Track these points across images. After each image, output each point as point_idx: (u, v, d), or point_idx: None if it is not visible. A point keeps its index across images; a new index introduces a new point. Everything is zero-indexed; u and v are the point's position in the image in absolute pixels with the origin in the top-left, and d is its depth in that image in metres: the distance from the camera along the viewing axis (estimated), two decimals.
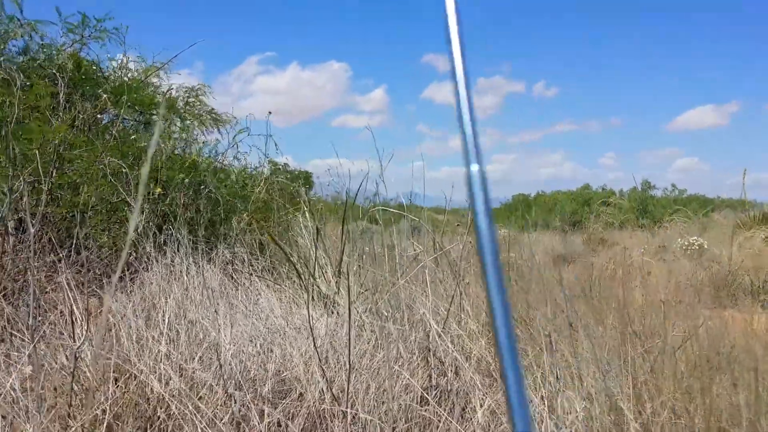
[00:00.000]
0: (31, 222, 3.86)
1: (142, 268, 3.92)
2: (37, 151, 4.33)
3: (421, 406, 2.25)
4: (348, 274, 3.46)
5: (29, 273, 3.06)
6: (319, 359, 2.23)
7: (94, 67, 6.16)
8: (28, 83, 4.91)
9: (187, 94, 6.79)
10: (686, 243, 9.67)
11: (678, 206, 15.87)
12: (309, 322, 2.31)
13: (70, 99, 5.38)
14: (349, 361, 2.03)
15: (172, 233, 4.13)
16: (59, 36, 5.94)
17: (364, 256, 4.02)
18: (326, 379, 2.20)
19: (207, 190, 5.68)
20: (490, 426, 2.12)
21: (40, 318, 2.89)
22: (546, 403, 2.09)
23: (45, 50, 5.79)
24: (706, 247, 9.45)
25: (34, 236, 3.77)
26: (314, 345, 2.22)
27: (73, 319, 2.28)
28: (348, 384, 2.07)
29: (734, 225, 12.09)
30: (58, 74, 5.26)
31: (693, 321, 3.06)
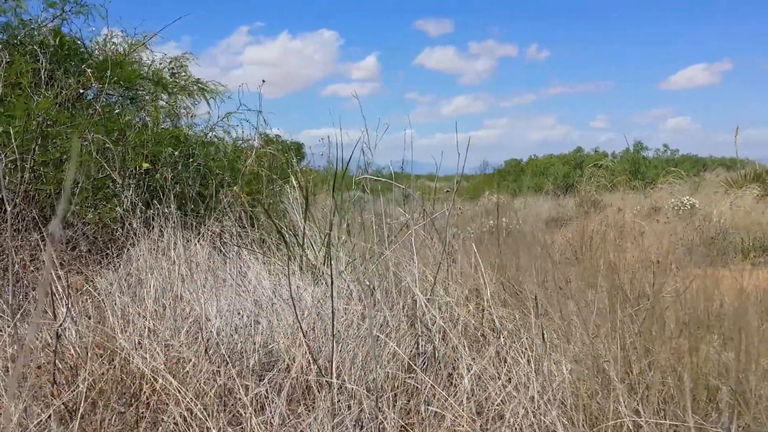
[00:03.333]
0: (13, 201, 3.82)
1: (130, 244, 3.89)
2: (20, 128, 4.28)
3: (408, 374, 2.24)
4: (336, 245, 3.44)
5: (7, 252, 3.02)
6: (303, 332, 2.21)
7: (78, 42, 6.07)
8: (8, 60, 4.83)
9: (171, 65, 6.69)
10: (678, 203, 9.67)
11: (670, 167, 15.85)
12: (291, 294, 2.29)
13: (53, 75, 5.31)
14: (332, 333, 2.01)
15: (160, 208, 4.09)
16: (39, 11, 5.84)
17: (355, 225, 4.00)
18: (310, 352, 2.19)
19: (196, 163, 5.63)
20: (475, 391, 2.11)
21: (23, 296, 2.86)
22: (533, 366, 2.08)
23: (25, 26, 5.70)
24: (697, 206, 9.45)
25: (11, 214, 3.73)
26: (297, 319, 2.20)
27: (54, 297, 2.26)
28: (332, 355, 2.05)
29: (726, 184, 12.10)
30: (39, 50, 5.18)
31: (683, 281, 3.05)
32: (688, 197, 10.05)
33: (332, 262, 2.59)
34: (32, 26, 5.75)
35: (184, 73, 6.72)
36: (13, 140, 4.04)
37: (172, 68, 6.70)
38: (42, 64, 5.06)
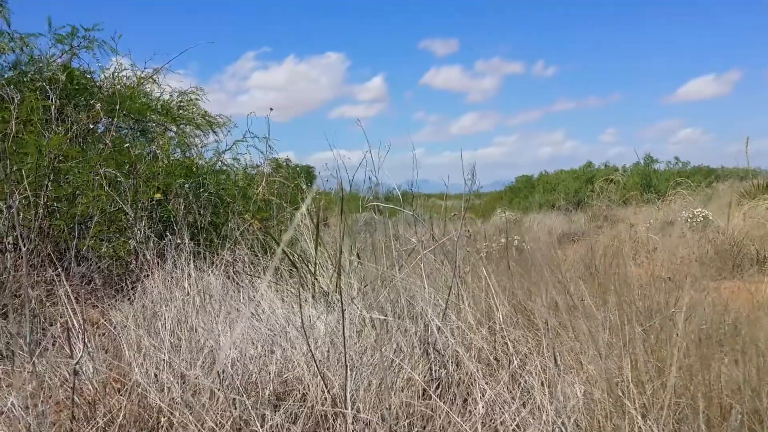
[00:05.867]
0: (28, 237, 3.87)
1: (144, 276, 3.92)
2: (33, 165, 4.34)
3: (423, 400, 2.25)
4: (347, 271, 3.46)
5: (24, 289, 3.06)
6: (316, 363, 2.22)
7: (87, 77, 6.15)
8: (19, 98, 4.90)
9: (179, 99, 6.78)
10: (691, 215, 9.61)
11: (681, 178, 15.78)
12: (302, 324, 2.31)
13: (63, 110, 5.38)
14: (345, 363, 2.03)
15: (173, 239, 4.12)
16: (48, 47, 5.94)
17: (366, 250, 4.01)
18: (324, 383, 2.20)
19: (207, 193, 5.67)
20: (491, 416, 2.12)
21: (40, 333, 2.90)
22: (546, 389, 2.09)
23: (35, 63, 5.79)
24: (710, 218, 9.39)
25: (27, 252, 3.78)
26: (309, 349, 2.22)
27: (69, 334, 2.29)
28: (346, 385, 2.07)
29: (739, 194, 12.04)
30: (49, 87, 5.26)
31: (696, 296, 3.05)
32: (700, 209, 10.00)
33: (342, 292, 2.61)
34: (41, 63, 5.84)
35: (193, 107, 6.79)
36: (26, 177, 4.10)
37: (181, 102, 6.78)
38: (52, 100, 5.13)
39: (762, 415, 1.80)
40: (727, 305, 2.98)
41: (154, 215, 4.93)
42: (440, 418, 2.13)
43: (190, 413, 2.11)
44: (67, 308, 2.71)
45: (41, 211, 4.20)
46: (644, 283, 3.56)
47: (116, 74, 6.52)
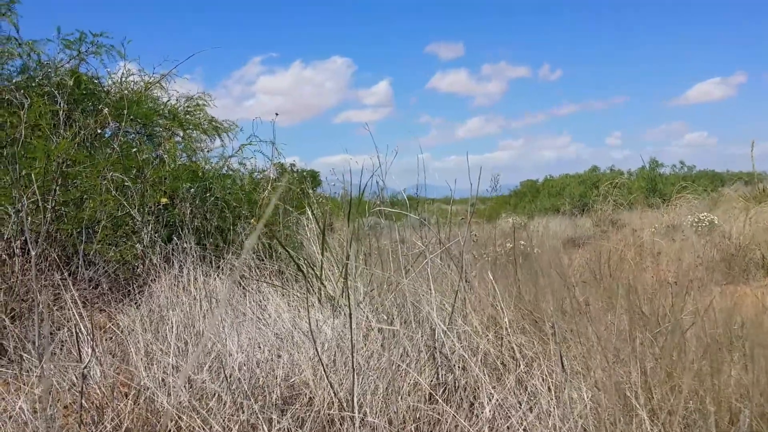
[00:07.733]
0: (36, 241, 3.88)
1: (151, 280, 3.93)
2: (41, 170, 4.36)
3: (430, 404, 2.25)
4: (353, 275, 3.46)
5: (32, 293, 3.08)
6: (324, 368, 2.23)
7: (94, 82, 6.18)
8: (27, 102, 4.92)
9: (186, 104, 6.80)
10: (696, 219, 9.59)
11: (687, 183, 15.74)
12: (310, 328, 2.32)
13: (71, 115, 5.40)
14: (353, 367, 2.03)
15: (180, 243, 4.13)
16: (56, 52, 5.97)
17: (371, 254, 4.01)
18: (331, 386, 2.21)
19: (213, 197, 5.68)
20: (497, 420, 2.12)
21: (48, 337, 2.91)
22: (553, 394, 2.09)
23: (43, 68, 5.81)
24: (716, 222, 9.36)
25: (35, 256, 3.79)
26: (317, 353, 2.22)
27: (78, 338, 2.30)
28: (353, 389, 2.07)
29: (744, 198, 12.01)
30: (57, 92, 5.28)
31: (703, 300, 3.04)
32: (706, 213, 9.97)
33: (350, 296, 2.61)
34: (49, 68, 5.87)
35: (199, 112, 6.81)
36: (34, 182, 4.11)
37: (188, 107, 6.80)
38: (60, 105, 5.15)
39: None
40: (734, 310, 2.97)
41: (160, 219, 4.94)
42: (447, 422, 2.13)
43: (198, 417, 2.12)
44: (74, 312, 2.72)
45: (49, 215, 4.21)
46: (650, 287, 3.56)
47: (123, 79, 6.54)
